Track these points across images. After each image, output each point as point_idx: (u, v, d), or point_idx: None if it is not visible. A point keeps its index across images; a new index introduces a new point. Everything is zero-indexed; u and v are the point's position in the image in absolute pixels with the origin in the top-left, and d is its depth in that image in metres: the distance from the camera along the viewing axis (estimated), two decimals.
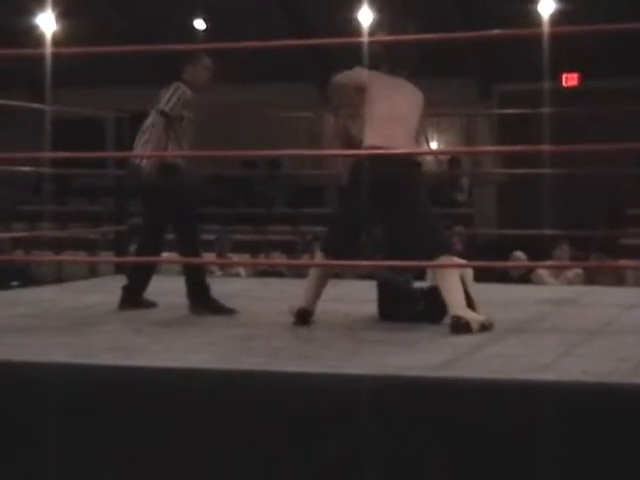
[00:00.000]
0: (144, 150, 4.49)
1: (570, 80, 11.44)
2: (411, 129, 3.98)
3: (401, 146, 3.87)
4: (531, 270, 7.35)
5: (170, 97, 4.40)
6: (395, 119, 3.91)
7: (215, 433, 2.88)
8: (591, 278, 7.23)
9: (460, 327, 3.70)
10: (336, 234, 4.03)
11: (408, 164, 3.95)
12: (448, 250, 3.98)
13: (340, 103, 4.14)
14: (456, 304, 3.78)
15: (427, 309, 4.05)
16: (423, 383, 2.84)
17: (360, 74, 3.98)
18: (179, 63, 4.58)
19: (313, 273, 4.04)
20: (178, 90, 4.41)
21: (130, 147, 4.82)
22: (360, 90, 3.97)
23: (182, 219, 4.46)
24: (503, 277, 7.00)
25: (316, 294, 3.99)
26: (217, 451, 2.86)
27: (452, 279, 3.84)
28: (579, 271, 7.28)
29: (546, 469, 2.65)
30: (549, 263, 7.28)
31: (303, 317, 3.93)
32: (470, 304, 3.99)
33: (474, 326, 3.72)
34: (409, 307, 4.07)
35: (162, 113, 4.40)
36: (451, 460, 2.74)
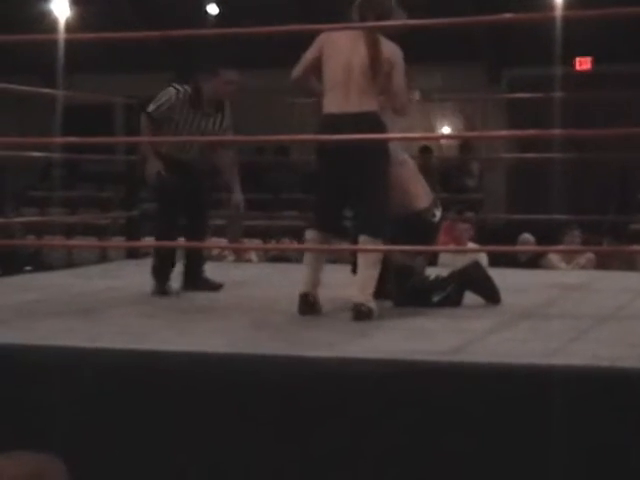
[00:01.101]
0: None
1: (583, 64, 11.36)
2: (369, 85, 3.79)
3: (358, 107, 3.74)
4: (540, 254, 7.34)
5: (157, 99, 4.52)
6: (348, 80, 3.77)
7: (226, 418, 2.89)
8: (602, 263, 7.21)
9: (361, 314, 3.67)
10: (320, 209, 3.97)
11: (371, 127, 3.75)
12: (382, 236, 3.79)
13: (313, 91, 4.04)
14: (364, 291, 3.73)
15: (446, 297, 4.05)
16: (432, 368, 2.84)
17: (307, 53, 3.87)
18: (198, 67, 4.57)
19: (307, 257, 3.96)
20: (166, 94, 4.49)
21: (139, 133, 4.84)
22: (314, 69, 3.87)
23: (190, 209, 4.59)
24: (511, 261, 6.99)
25: (314, 277, 3.89)
26: (228, 436, 2.88)
27: (374, 266, 3.76)
28: (591, 256, 7.25)
29: (556, 454, 2.65)
30: (560, 247, 7.26)
31: (306, 301, 3.85)
32: (493, 289, 4.02)
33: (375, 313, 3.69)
34: (428, 295, 4.07)
35: (145, 113, 4.54)
36: (460, 445, 2.75)
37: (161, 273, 4.55)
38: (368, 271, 3.77)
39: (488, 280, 4.15)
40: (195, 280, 4.61)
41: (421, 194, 4.20)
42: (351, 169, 3.79)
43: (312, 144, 4.03)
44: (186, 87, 4.56)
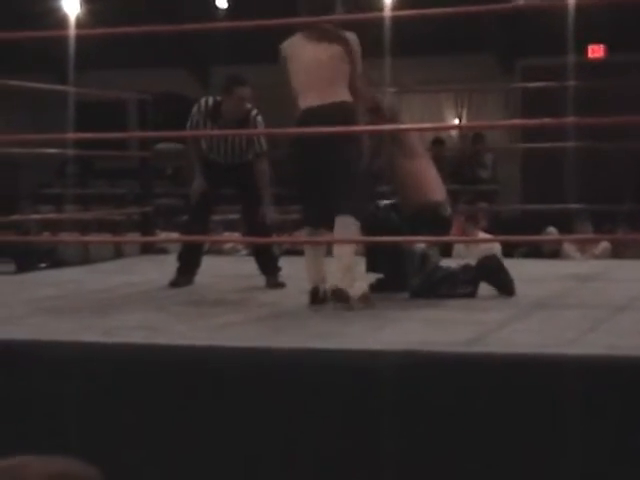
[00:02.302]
0: None
1: (596, 52, 11.28)
2: (337, 77, 3.88)
3: (333, 98, 3.83)
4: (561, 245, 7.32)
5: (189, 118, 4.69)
6: (316, 76, 3.86)
7: (241, 412, 2.90)
8: (618, 253, 7.17)
9: (339, 297, 3.73)
10: (309, 205, 3.99)
11: (343, 115, 3.85)
12: (360, 216, 3.83)
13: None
14: (339, 275, 3.77)
15: (461, 288, 4.05)
16: (448, 359, 2.84)
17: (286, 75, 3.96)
18: (223, 88, 4.65)
19: (307, 254, 3.99)
20: (193, 112, 4.65)
21: (153, 129, 4.88)
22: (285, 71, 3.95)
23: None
24: (534, 253, 6.98)
25: (318, 272, 3.92)
26: (244, 429, 2.89)
27: (348, 248, 3.81)
28: (606, 246, 7.22)
29: (572, 445, 2.65)
30: (574, 237, 7.23)
31: (316, 296, 3.89)
32: (507, 281, 4.03)
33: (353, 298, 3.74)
34: (443, 286, 4.07)
35: None
36: (476, 436, 2.74)
37: (184, 263, 4.65)
38: (345, 256, 3.79)
39: (503, 272, 4.14)
40: (269, 279, 4.61)
41: (436, 187, 4.23)
42: (328, 156, 3.83)
43: (289, 142, 4.07)
44: (209, 100, 4.65)
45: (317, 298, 3.89)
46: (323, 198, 3.96)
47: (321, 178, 3.90)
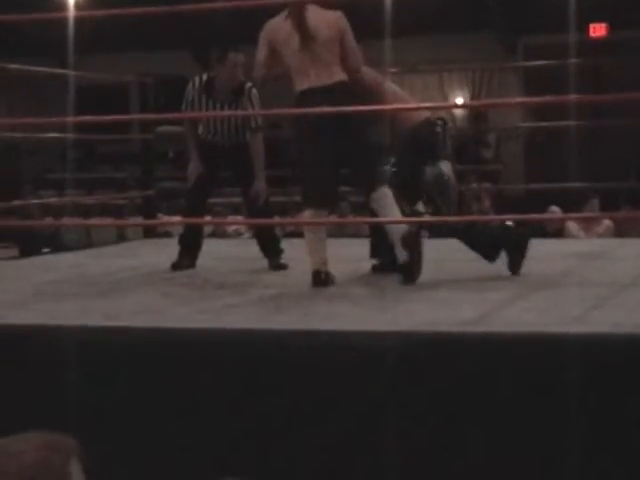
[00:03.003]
0: None
1: (598, 31, 11.23)
2: (331, 56, 3.91)
3: (329, 79, 3.87)
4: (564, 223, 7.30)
5: (184, 97, 4.67)
6: (310, 57, 3.88)
7: (246, 393, 2.90)
8: (621, 232, 7.16)
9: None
10: (316, 185, 3.98)
11: (344, 90, 3.91)
12: (384, 182, 3.97)
13: (282, 76, 4.07)
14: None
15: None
16: (454, 338, 2.83)
17: (258, 52, 3.99)
18: (213, 60, 4.67)
19: (307, 236, 3.99)
20: (187, 91, 4.64)
21: (154, 112, 4.87)
22: (273, 60, 3.97)
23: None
24: (538, 232, 6.97)
25: (321, 254, 3.93)
26: (248, 411, 2.89)
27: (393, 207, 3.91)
28: (609, 224, 7.21)
29: (577, 423, 2.64)
30: (576, 215, 7.21)
31: (319, 278, 3.89)
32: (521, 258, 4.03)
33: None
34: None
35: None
36: (482, 416, 2.74)
37: (185, 246, 4.68)
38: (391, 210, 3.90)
39: (525, 248, 4.13)
40: (271, 261, 4.64)
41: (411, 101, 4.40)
42: (345, 135, 3.87)
43: (291, 123, 4.10)
44: (203, 76, 4.65)
45: (320, 280, 3.89)
46: (331, 178, 3.97)
47: (337, 157, 3.93)
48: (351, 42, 3.99)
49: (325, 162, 3.94)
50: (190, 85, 4.65)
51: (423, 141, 4.14)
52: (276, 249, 4.67)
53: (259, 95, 4.61)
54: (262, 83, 4.15)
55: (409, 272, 3.87)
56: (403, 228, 3.87)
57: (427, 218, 4.17)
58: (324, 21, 3.93)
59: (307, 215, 4.03)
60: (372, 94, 4.11)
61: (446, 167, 4.16)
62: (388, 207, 3.92)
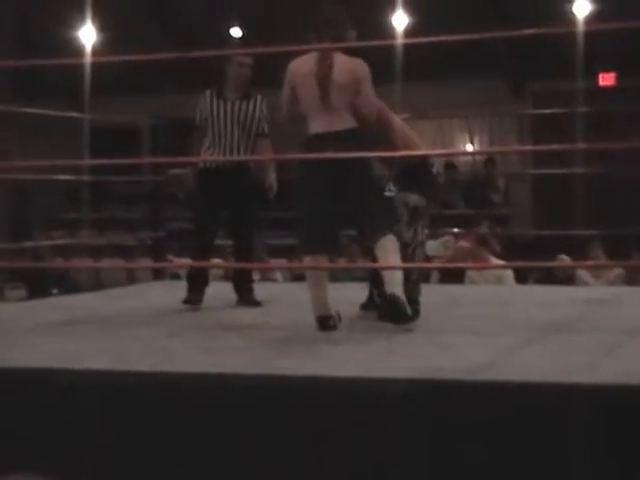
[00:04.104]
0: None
1: (606, 79, 11.30)
2: (344, 103, 3.91)
3: (339, 125, 3.88)
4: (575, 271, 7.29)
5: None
6: (324, 102, 3.90)
7: (251, 437, 2.88)
8: (631, 279, 7.14)
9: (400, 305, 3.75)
10: (315, 232, 3.97)
11: (353, 138, 3.91)
12: (389, 230, 3.93)
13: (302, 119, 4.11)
14: (398, 288, 3.80)
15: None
16: (461, 386, 2.82)
17: (283, 92, 4.02)
18: (221, 69, 4.81)
19: (309, 281, 3.97)
20: (198, 102, 4.78)
21: (166, 154, 4.95)
22: (295, 100, 4.00)
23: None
24: (547, 278, 6.96)
25: (322, 298, 3.91)
26: (253, 455, 2.87)
27: (396, 254, 3.89)
28: (620, 271, 7.19)
29: (589, 475, 2.61)
30: (587, 263, 7.20)
31: (324, 324, 3.88)
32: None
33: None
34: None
35: (194, 129, 4.82)
36: (487, 468, 2.71)
37: (193, 282, 4.75)
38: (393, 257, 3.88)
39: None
40: (243, 296, 4.78)
41: (420, 146, 4.38)
42: (347, 183, 3.88)
43: (296, 167, 4.13)
44: (212, 87, 4.83)
45: (325, 325, 3.88)
46: (328, 224, 3.98)
47: (338, 203, 3.92)
48: (368, 91, 3.95)
49: (323, 209, 3.92)
50: (202, 95, 4.80)
51: (413, 172, 4.19)
52: (248, 287, 4.80)
53: (281, 135, 4.69)
54: (286, 122, 4.14)
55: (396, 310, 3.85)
56: (398, 275, 3.82)
57: (435, 264, 4.16)
58: (345, 68, 3.92)
59: (307, 261, 4.02)
60: (380, 127, 4.14)
61: (417, 199, 4.23)
62: (389, 255, 3.87)
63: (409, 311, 3.77)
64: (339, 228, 4.23)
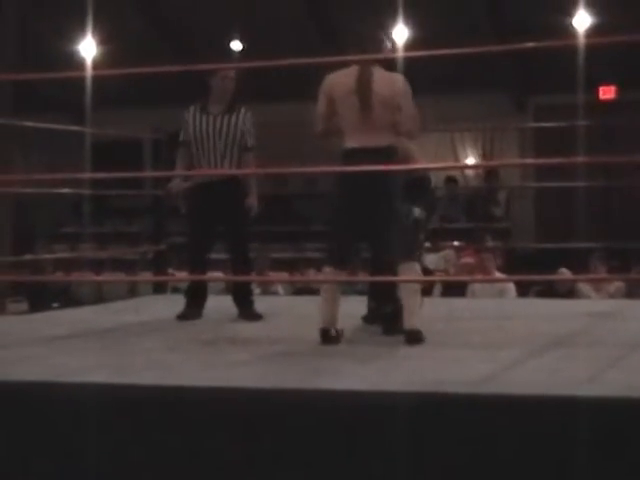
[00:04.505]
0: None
1: (607, 93, 11.33)
2: (383, 119, 3.87)
3: (376, 141, 3.84)
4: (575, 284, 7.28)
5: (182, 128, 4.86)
6: (363, 117, 3.85)
7: (252, 451, 2.87)
8: (631, 292, 7.14)
9: (415, 341, 3.79)
10: (338, 244, 3.98)
11: (390, 154, 3.89)
12: (412, 257, 3.96)
13: (338, 134, 4.07)
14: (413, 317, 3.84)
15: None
16: (463, 399, 2.81)
17: (319, 106, 3.98)
18: (206, 83, 4.84)
19: (323, 293, 3.97)
20: (182, 118, 4.82)
21: (167, 167, 4.97)
22: (331, 115, 3.97)
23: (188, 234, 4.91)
24: (548, 292, 6.94)
25: (333, 312, 3.90)
26: (254, 468, 2.86)
27: (417, 293, 3.91)
28: (620, 284, 7.19)
29: None
30: (588, 277, 7.20)
31: (327, 336, 3.87)
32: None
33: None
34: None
35: (179, 144, 4.86)
36: (492, 477, 2.70)
37: (190, 297, 4.75)
38: (413, 298, 3.86)
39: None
40: (244, 309, 4.78)
41: (419, 159, 4.44)
42: (372, 201, 3.86)
43: (335, 179, 4.11)
44: (197, 103, 4.84)
45: (327, 338, 3.87)
46: (359, 239, 4.01)
47: (367, 219, 3.90)
48: (409, 107, 3.91)
49: (350, 223, 3.92)
50: (186, 110, 4.82)
51: (412, 186, 4.20)
52: (249, 299, 4.80)
53: (322, 150, 4.70)
54: (320, 139, 4.09)
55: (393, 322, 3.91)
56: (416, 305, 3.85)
57: (438, 277, 4.18)
58: (386, 84, 3.87)
59: (326, 272, 4.01)
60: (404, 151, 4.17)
61: (419, 212, 4.32)
62: (409, 293, 3.87)
63: (424, 338, 3.82)
64: (362, 244, 4.24)
